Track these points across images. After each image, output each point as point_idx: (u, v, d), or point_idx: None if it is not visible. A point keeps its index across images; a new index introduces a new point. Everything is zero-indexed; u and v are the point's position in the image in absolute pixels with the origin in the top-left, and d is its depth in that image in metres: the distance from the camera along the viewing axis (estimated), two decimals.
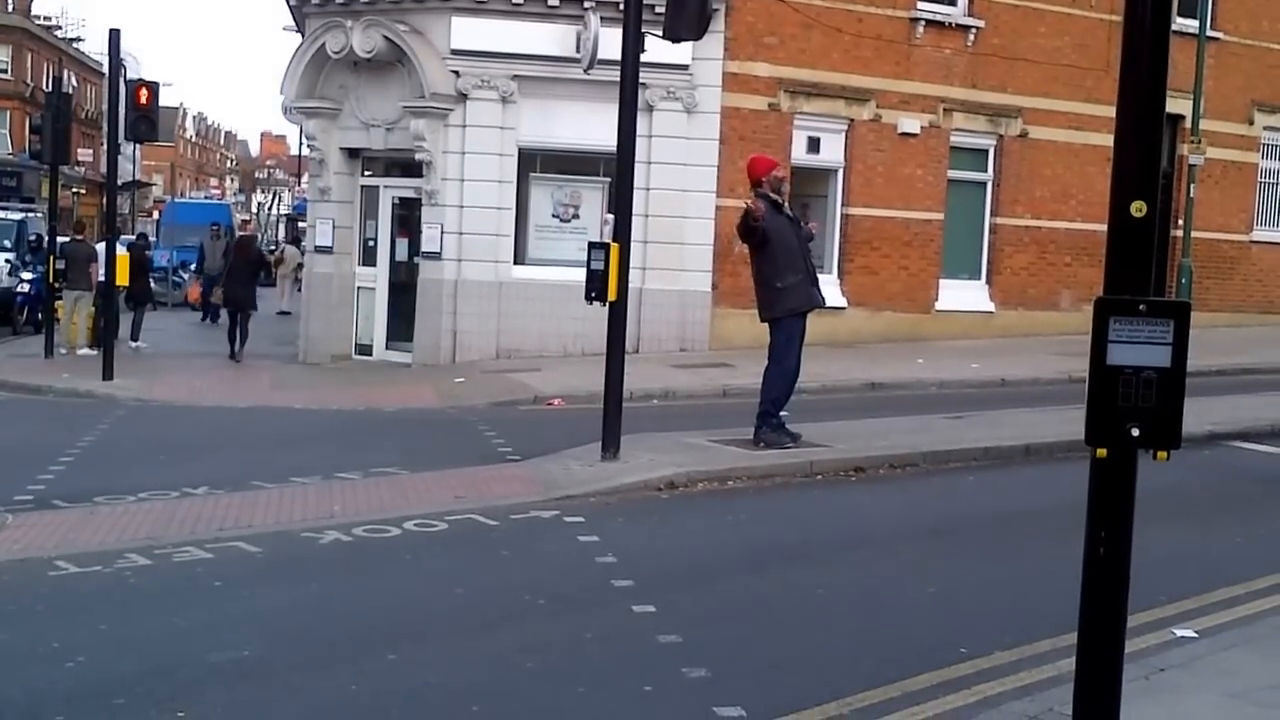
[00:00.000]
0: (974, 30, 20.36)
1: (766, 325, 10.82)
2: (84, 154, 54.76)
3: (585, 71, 16.84)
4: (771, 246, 10.41)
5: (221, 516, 8.63)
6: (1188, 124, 19.79)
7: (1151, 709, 4.83)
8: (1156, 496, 7.85)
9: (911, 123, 20.04)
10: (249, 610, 6.59)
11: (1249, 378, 16.45)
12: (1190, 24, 19.62)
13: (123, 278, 16.90)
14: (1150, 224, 3.38)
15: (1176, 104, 20.30)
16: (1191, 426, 11.62)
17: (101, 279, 18.07)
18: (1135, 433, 3.35)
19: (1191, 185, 19.46)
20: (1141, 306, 3.33)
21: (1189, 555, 7.76)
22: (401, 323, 18.90)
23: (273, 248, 35.40)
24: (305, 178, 28.52)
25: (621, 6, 10.71)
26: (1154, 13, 3.39)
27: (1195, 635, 6.06)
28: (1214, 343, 18.91)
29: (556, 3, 17.82)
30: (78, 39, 58.73)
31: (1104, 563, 3.46)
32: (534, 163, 18.64)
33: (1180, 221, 20.14)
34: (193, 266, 30.55)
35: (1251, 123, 23.47)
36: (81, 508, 8.99)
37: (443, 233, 18.10)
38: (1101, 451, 3.41)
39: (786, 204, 10.85)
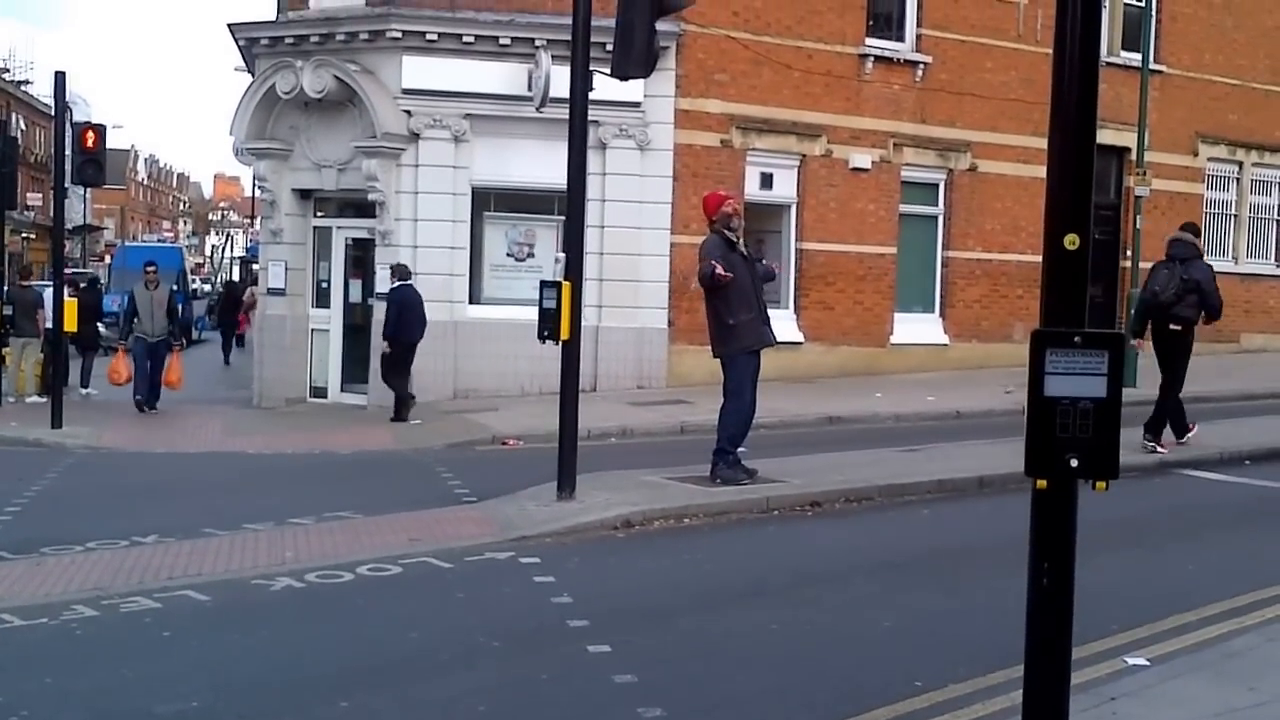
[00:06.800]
0: (922, 66, 20.62)
1: (720, 361, 10.84)
2: (33, 198, 54.32)
3: (537, 110, 16.92)
4: (725, 285, 10.44)
5: (171, 565, 8.52)
6: (1133, 156, 20.06)
7: None
8: (1109, 525, 7.92)
9: (863, 158, 20.23)
10: (198, 660, 6.49)
11: (1199, 406, 16.57)
12: (1134, 57, 19.92)
13: (71, 324, 16.70)
14: (1084, 256, 3.42)
15: (1122, 136, 20.64)
16: (1142, 455, 11.66)
17: (49, 325, 17.87)
18: (1074, 463, 3.37)
19: (1138, 216, 19.70)
20: (1076, 338, 3.37)
21: (1141, 583, 7.81)
22: (356, 365, 18.78)
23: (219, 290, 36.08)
24: (259, 220, 27.50)
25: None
26: (1082, 49, 3.44)
27: (1147, 663, 6.09)
28: None
29: (508, 41, 17.90)
30: (25, 82, 58.18)
31: (1047, 593, 3.47)
32: (488, 201, 18.66)
33: (1129, 252, 20.36)
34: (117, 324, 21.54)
35: (1196, 154, 23.88)
36: (28, 559, 8.84)
37: None
38: (1041, 482, 3.43)
39: (740, 240, 10.88)
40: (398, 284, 16.90)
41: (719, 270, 10.22)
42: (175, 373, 18.46)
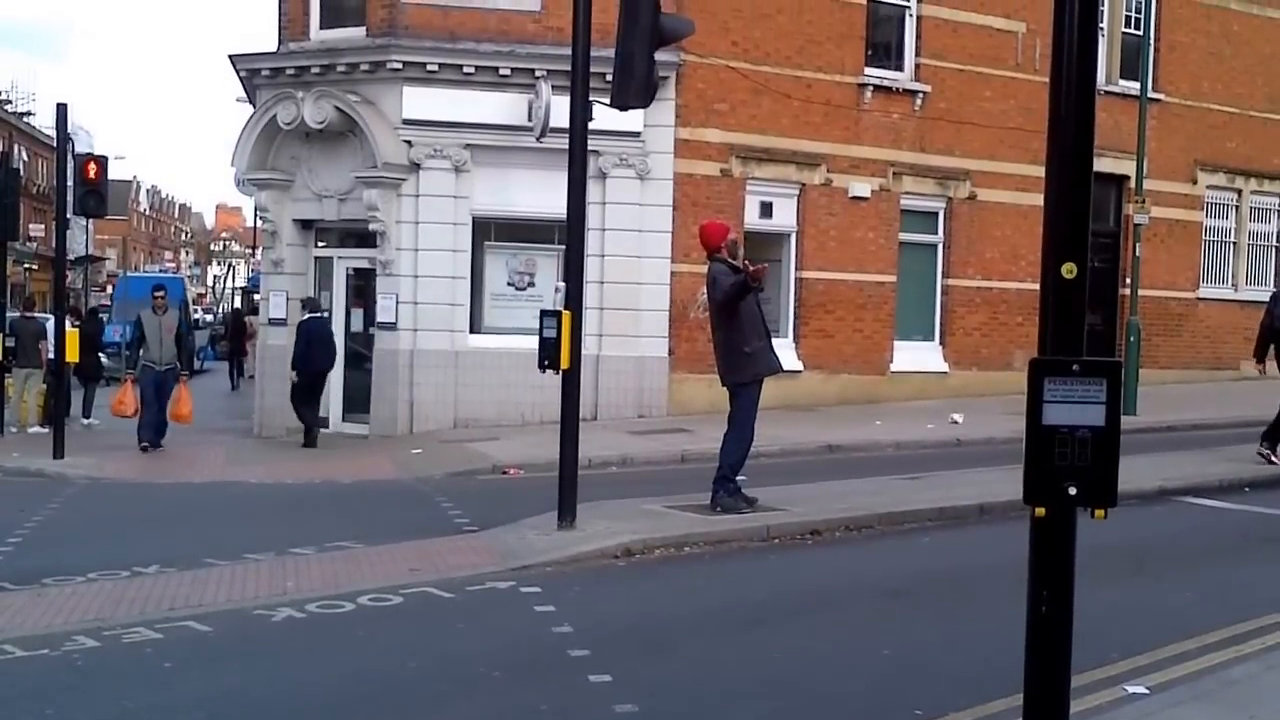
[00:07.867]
0: (921, 95, 20.71)
1: (726, 390, 10.85)
2: (35, 229, 54.45)
3: (537, 140, 17.00)
4: (739, 312, 10.49)
5: (172, 596, 8.51)
6: (1132, 184, 20.16)
7: None
8: (1109, 552, 7.91)
9: (862, 187, 20.30)
10: (199, 691, 6.48)
11: (1198, 433, 16.63)
12: (1132, 85, 20.01)
13: (73, 354, 16.72)
14: (1081, 285, 3.44)
15: (1121, 164, 20.72)
16: (1142, 482, 11.71)
17: (51, 356, 17.89)
18: (1072, 491, 3.38)
19: (1138, 244, 19.77)
20: (1075, 366, 3.39)
21: (1141, 611, 7.80)
22: (358, 394, 18.80)
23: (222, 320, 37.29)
24: (260, 250, 27.51)
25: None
26: (1078, 77, 3.47)
27: (1147, 691, 6.07)
28: (1164, 399, 19.17)
29: (508, 72, 17.99)
30: (28, 113, 58.44)
31: (1046, 620, 3.48)
32: (488, 231, 18.71)
33: (1128, 280, 20.47)
34: (123, 351, 22.08)
35: (1195, 182, 23.96)
36: (29, 589, 8.83)
37: (398, 303, 18.12)
38: (1040, 510, 3.44)
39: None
40: (306, 316, 17.75)
41: (751, 269, 10.21)
42: (185, 405, 17.59)
